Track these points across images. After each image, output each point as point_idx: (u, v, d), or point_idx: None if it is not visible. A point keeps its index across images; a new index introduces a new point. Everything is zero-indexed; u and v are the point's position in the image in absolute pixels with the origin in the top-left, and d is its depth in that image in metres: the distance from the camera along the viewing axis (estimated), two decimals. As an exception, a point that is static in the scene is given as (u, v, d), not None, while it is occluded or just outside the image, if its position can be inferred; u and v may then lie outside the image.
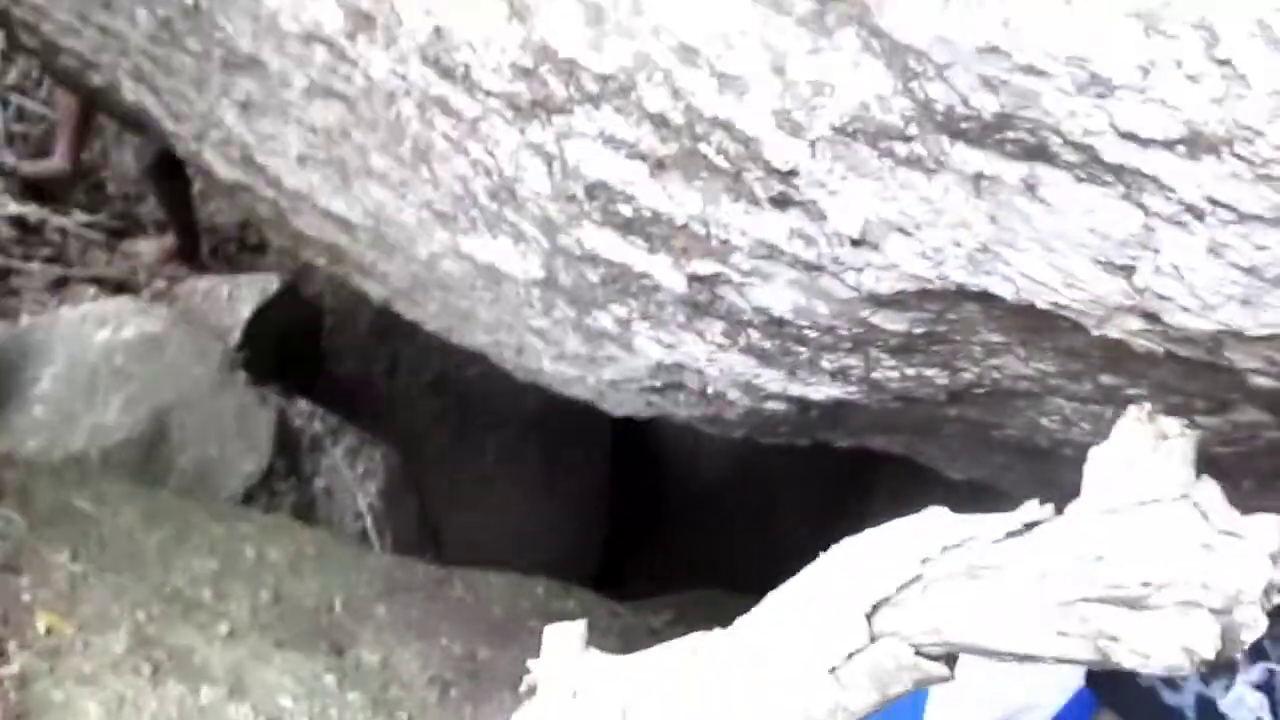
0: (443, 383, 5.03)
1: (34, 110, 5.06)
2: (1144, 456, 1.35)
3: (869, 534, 1.45)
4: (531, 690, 1.77)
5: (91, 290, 4.71)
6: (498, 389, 4.84)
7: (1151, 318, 1.43)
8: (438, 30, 2.00)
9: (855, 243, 1.64)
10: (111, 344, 4.06)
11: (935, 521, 1.40)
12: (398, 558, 3.74)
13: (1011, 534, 1.34)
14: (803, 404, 2.28)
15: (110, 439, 3.82)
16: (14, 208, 4.74)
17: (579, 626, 1.78)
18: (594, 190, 1.98)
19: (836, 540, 1.50)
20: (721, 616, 1.59)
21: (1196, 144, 1.19)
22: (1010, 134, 1.34)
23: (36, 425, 3.82)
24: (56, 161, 4.88)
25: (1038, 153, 1.34)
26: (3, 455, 3.34)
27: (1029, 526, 1.34)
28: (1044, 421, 2.02)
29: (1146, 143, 1.23)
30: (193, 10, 2.63)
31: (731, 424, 2.72)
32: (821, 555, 1.50)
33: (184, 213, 5.00)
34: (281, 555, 3.23)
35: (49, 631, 2.53)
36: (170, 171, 4.44)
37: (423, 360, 5.02)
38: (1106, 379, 1.78)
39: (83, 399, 3.91)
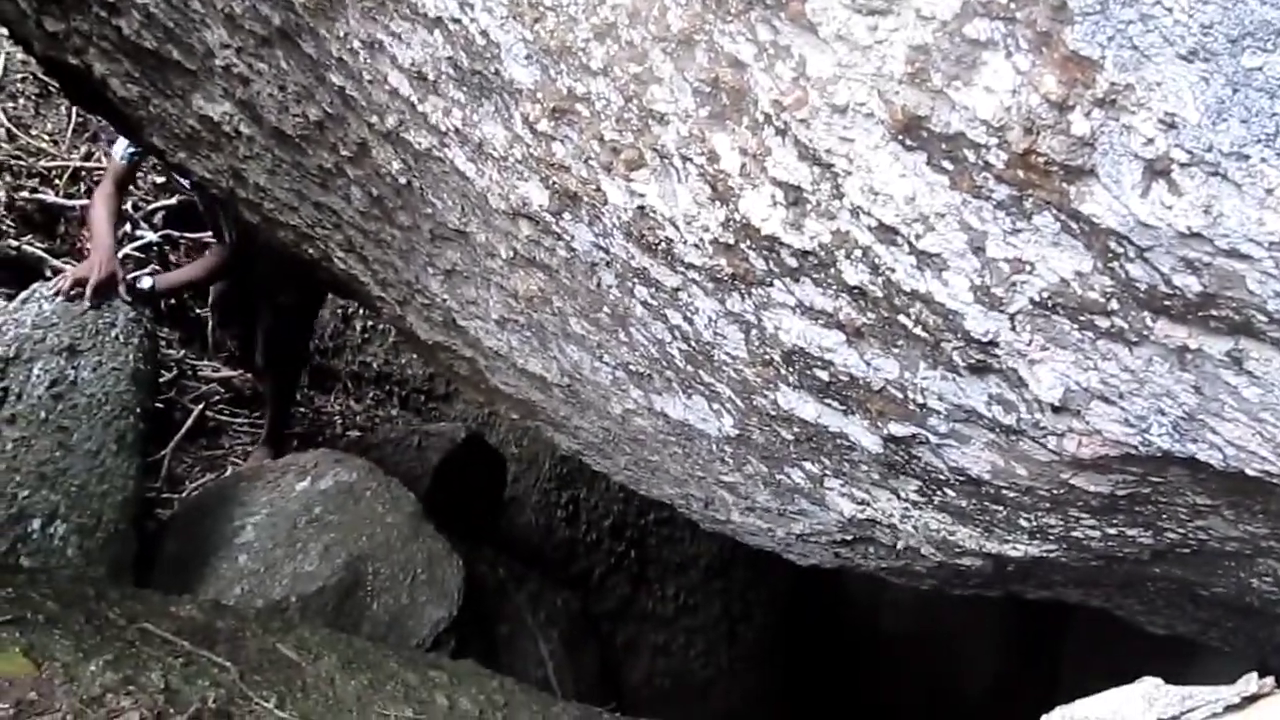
0: (622, 528, 5.09)
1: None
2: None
3: (1082, 704, 1.46)
4: None
5: (293, 441, 4.98)
6: (678, 535, 4.90)
7: (1369, 486, 1.42)
8: (641, 209, 2.10)
9: (1056, 409, 1.67)
10: (310, 494, 4.26)
11: (1152, 691, 1.41)
12: (583, 707, 3.77)
13: (1230, 707, 1.34)
14: (999, 560, 2.27)
15: (309, 587, 3.97)
16: (225, 371, 5.08)
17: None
18: (791, 356, 2.04)
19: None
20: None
21: None
22: (1214, 311, 1.37)
23: (241, 573, 4.01)
24: None
25: (1243, 328, 1.36)
26: (214, 603, 3.52)
27: (1248, 700, 1.34)
28: (1255, 582, 1.97)
29: (1356, 322, 1.25)
30: (404, 189, 2.82)
31: (920, 576, 2.71)
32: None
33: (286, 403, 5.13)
34: (472, 704, 3.32)
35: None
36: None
37: (604, 506, 5.10)
38: (1321, 539, 1.75)
39: (284, 547, 4.08)
